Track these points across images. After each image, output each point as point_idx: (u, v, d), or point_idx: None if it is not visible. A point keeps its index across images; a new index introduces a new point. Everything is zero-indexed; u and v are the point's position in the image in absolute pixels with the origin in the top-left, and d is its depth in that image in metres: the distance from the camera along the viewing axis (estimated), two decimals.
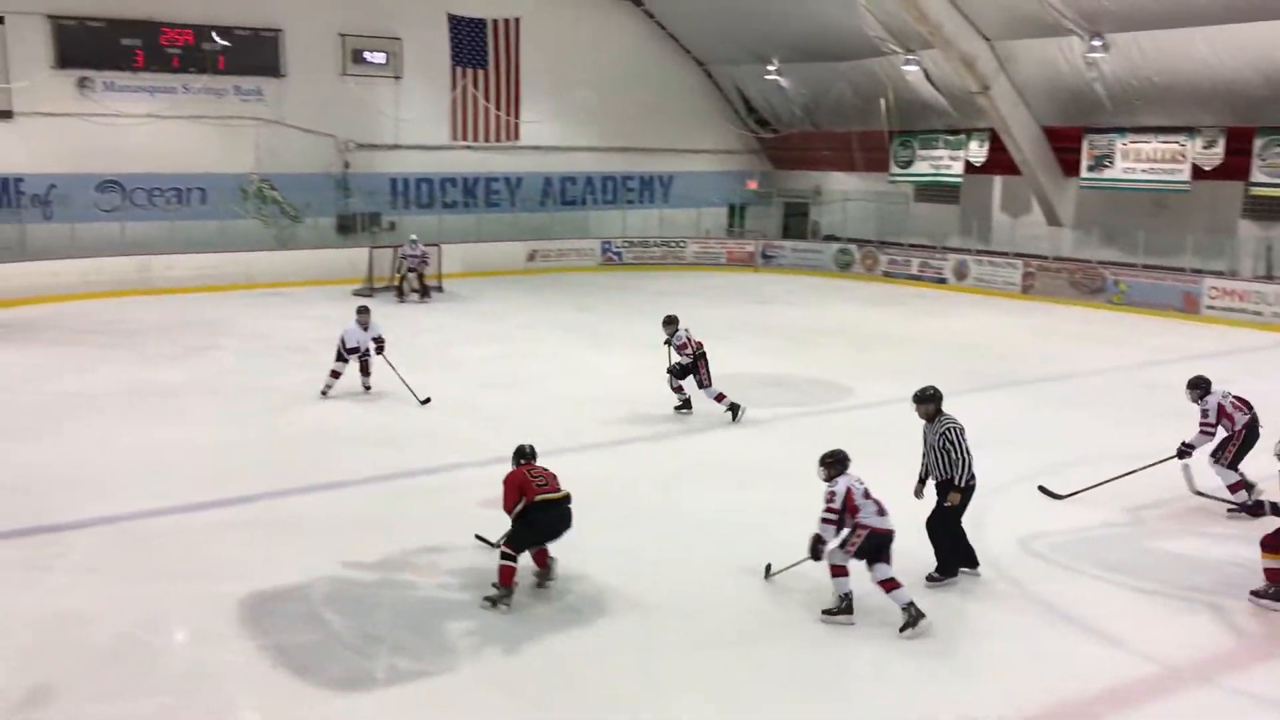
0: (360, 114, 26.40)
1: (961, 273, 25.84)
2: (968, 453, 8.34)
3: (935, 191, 27.96)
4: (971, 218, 26.76)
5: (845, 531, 7.72)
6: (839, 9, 25.03)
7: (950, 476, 8.37)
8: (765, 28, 27.43)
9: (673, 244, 29.49)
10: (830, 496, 7.72)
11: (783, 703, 6.68)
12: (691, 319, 19.32)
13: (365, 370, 14.26)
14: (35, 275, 21.78)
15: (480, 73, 27.80)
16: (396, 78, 26.91)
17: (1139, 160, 22.52)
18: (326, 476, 10.83)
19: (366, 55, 26.41)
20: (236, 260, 24.17)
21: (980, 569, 8.57)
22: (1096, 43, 21.12)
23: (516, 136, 28.53)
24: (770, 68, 28.73)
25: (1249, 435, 9.97)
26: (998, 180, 26.72)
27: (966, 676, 7.10)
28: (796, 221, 31.88)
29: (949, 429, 8.40)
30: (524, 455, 8.45)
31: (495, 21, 27.64)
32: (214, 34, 24.26)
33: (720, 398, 13.17)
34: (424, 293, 22.98)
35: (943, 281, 26.15)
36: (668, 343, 13.38)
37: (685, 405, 13.42)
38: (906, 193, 28.73)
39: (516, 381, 15.33)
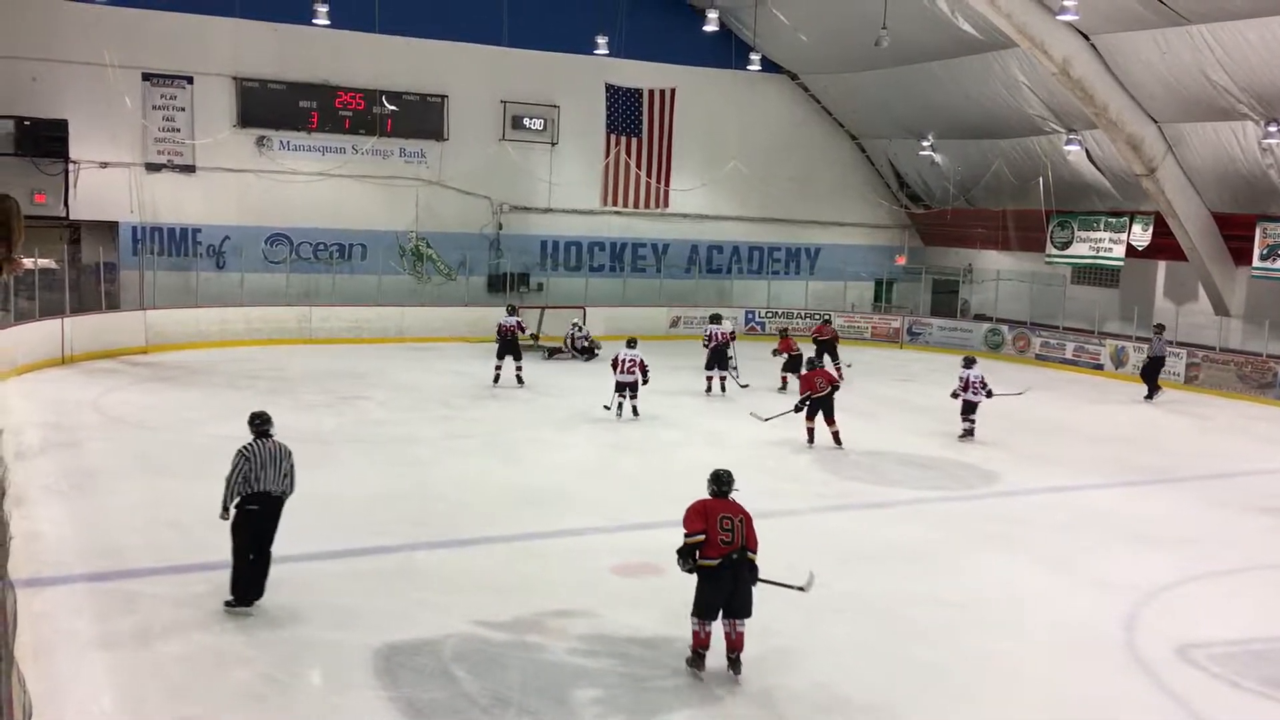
0: (516, 177, 27.19)
1: (1120, 360, 24.83)
2: None
3: (1094, 274, 27.07)
4: (1132, 303, 25.76)
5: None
6: (1000, 88, 24.68)
7: None
8: (922, 104, 27.25)
9: (817, 316, 29.24)
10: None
11: None
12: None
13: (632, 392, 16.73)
14: (205, 322, 23.04)
15: (634, 140, 28.41)
16: (553, 143, 27.65)
17: None
18: (463, 532, 11.00)
19: (525, 121, 27.24)
20: (389, 314, 25.06)
21: None
22: (1273, 129, 20.21)
23: (666, 204, 28.99)
24: (925, 143, 28.45)
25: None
26: (1161, 265, 25.70)
27: None
28: (945, 299, 31.27)
29: None
30: (720, 484, 8.19)
31: (651, 91, 28.28)
32: (384, 98, 25.45)
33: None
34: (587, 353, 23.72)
35: (1099, 368, 25.17)
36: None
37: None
38: (1063, 274, 27.89)
39: (650, 447, 15.35)
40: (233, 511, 8.59)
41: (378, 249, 25.76)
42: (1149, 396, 21.26)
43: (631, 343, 17.41)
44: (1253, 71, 19.42)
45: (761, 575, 8.00)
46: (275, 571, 8.88)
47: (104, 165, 23.30)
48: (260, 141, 24.70)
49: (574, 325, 24.08)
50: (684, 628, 8.13)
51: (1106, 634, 8.92)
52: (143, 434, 14.88)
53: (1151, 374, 21.51)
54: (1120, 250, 25.30)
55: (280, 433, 9.26)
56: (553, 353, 23.60)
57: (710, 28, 22.93)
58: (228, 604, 8.56)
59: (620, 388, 17.06)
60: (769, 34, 26.94)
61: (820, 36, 26.49)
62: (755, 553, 7.98)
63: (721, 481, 8.31)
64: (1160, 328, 22.12)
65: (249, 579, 8.57)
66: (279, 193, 24.91)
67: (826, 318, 23.69)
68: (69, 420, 15.42)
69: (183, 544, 10.16)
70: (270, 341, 23.38)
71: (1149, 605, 9.61)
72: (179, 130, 23.89)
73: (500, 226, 27.34)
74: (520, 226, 27.68)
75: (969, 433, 16.78)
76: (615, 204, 28.60)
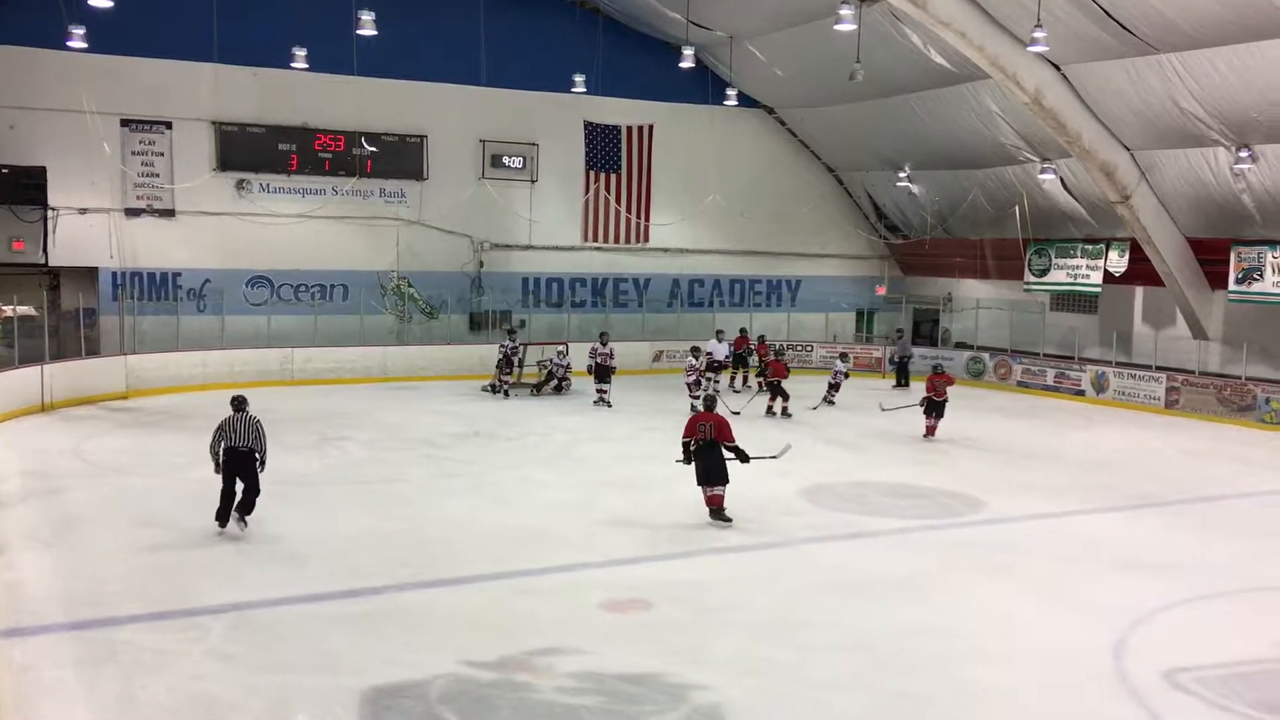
0: (496, 215, 27.30)
1: (1101, 385, 25.01)
2: None
3: (1073, 301, 27.31)
4: (1111, 328, 25.98)
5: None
6: (974, 119, 24.97)
7: None
8: (898, 136, 27.54)
9: (799, 347, 29.38)
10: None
11: None
12: (819, 423, 19.10)
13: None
14: (186, 366, 22.93)
15: (613, 176, 28.62)
16: (532, 181, 27.80)
17: None
18: (449, 572, 10.93)
19: (505, 160, 27.39)
20: (372, 354, 25.03)
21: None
22: (1244, 154, 20.51)
23: (646, 239, 29.19)
24: (902, 174, 28.74)
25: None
26: (1139, 291, 25.95)
27: None
28: (926, 328, 31.47)
29: None
30: (709, 404, 13.95)
31: (629, 128, 28.54)
32: (363, 139, 25.56)
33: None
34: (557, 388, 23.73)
35: (1080, 393, 25.34)
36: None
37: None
38: (1042, 301, 28.13)
39: (637, 483, 15.32)
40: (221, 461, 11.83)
41: (359, 289, 25.76)
42: (900, 385, 25.67)
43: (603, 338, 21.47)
44: (1222, 99, 19.72)
45: (752, 454, 12.88)
46: (261, 615, 9.07)
47: (83, 211, 23.29)
48: (240, 185, 24.72)
49: (558, 353, 24.04)
50: (673, 664, 8.35)
51: (1096, 660, 8.92)
52: (124, 480, 14.77)
53: (902, 370, 26.40)
54: (1098, 277, 25.54)
55: (264, 475, 10.92)
56: (538, 388, 23.57)
57: (687, 64, 23.17)
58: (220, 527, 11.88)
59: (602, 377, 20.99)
60: (745, 70, 27.25)
61: (796, 71, 26.79)
62: (729, 443, 12.68)
63: (710, 402, 14.13)
64: (900, 331, 27.29)
65: (229, 505, 11.83)
66: (259, 235, 24.91)
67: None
68: (49, 467, 15.29)
69: (166, 590, 10.06)
70: (252, 384, 23.25)
71: (1137, 631, 9.62)
72: (158, 175, 23.92)
73: (481, 265, 27.40)
74: (501, 264, 27.74)
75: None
76: (596, 240, 28.75)
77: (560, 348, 24.36)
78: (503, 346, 23.37)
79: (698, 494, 13.03)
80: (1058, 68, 21.28)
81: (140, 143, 23.77)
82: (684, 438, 12.94)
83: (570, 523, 13.01)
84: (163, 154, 23.95)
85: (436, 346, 25.95)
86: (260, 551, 11.42)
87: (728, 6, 24.94)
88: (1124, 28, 19.03)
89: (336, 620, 9.48)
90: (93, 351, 22.38)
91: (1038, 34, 18.06)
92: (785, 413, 21.31)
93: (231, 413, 12.02)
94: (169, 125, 23.96)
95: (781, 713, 7.84)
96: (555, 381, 23.57)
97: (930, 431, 19.14)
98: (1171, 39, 18.97)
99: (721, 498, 12.72)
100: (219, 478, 11.87)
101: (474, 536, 12.34)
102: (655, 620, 9.68)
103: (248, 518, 11.87)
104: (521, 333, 25.53)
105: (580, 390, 23.74)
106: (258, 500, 11.98)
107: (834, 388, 23.12)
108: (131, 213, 23.79)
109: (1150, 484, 16.19)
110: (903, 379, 26.36)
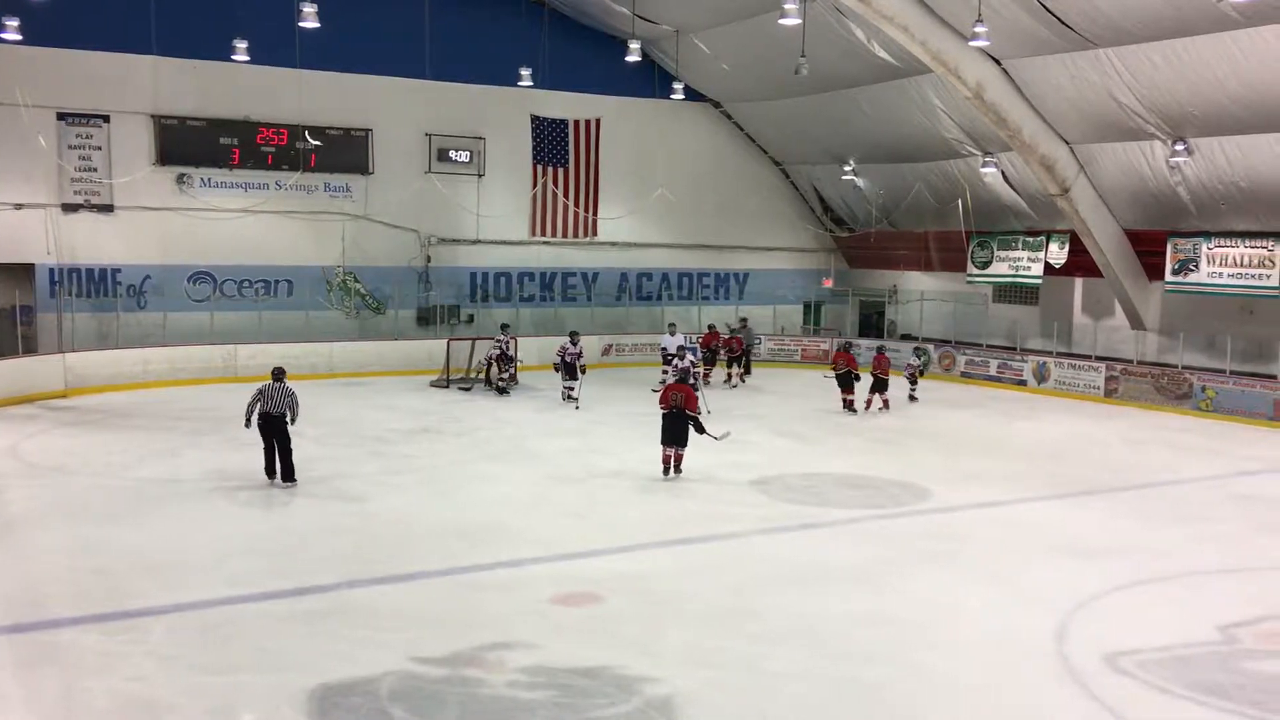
0: (443, 210, 27.10)
1: (1042, 375, 25.42)
2: None
3: (1014, 292, 27.72)
4: (1052, 319, 26.40)
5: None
6: (918, 113, 25.23)
7: None
8: (843, 130, 27.75)
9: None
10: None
11: None
12: (769, 415, 19.21)
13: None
14: (127, 363, 22.50)
15: (561, 171, 28.54)
16: (479, 175, 27.63)
17: (1225, 265, 22.11)
18: (399, 568, 10.86)
19: (451, 154, 27.19)
20: (319, 350, 24.73)
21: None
22: (1180, 147, 20.93)
23: (594, 233, 29.15)
24: (847, 168, 28.97)
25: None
26: (1079, 282, 26.41)
27: None
28: (873, 320, 31.77)
29: None
30: (683, 376, 17.57)
31: (576, 122, 28.48)
32: (307, 133, 25.23)
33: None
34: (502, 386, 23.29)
35: (1022, 383, 25.73)
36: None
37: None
38: (984, 293, 28.51)
39: (587, 476, 15.32)
40: (255, 423, 13.96)
41: (304, 285, 25.46)
42: (745, 376, 25.63)
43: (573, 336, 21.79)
44: (1158, 92, 20.10)
45: (706, 431, 15.25)
46: (206, 615, 9.01)
47: (19, 207, 22.77)
48: (180, 179, 24.29)
49: (495, 344, 23.43)
50: (625, 656, 8.39)
51: (1039, 645, 9.08)
52: (63, 479, 14.48)
53: (744, 358, 26.11)
54: (1038, 269, 25.94)
55: (209, 473, 10.57)
56: (501, 390, 23.12)
57: (633, 58, 23.18)
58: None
59: (570, 374, 21.21)
60: (691, 63, 27.29)
61: (741, 65, 26.89)
62: (694, 412, 15.12)
63: (684, 375, 17.94)
64: (744, 320, 27.28)
65: (272, 461, 14.14)
66: (201, 230, 24.52)
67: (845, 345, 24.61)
68: None
69: (107, 591, 9.89)
70: (195, 381, 22.95)
71: (1079, 615, 9.80)
72: (96, 170, 23.44)
73: (429, 259, 27.20)
74: (449, 259, 27.56)
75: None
76: (544, 234, 28.66)
77: (500, 337, 23.93)
78: (498, 343, 23.05)
79: (645, 486, 13.07)
80: (998, 63, 21.57)
81: (77, 136, 23.27)
82: (662, 403, 15.36)
83: (520, 517, 12.98)
84: (100, 148, 23.47)
85: (385, 342, 25.73)
86: (205, 550, 11.27)
87: (673, 0, 24.97)
88: (1063, 23, 19.33)
89: (284, 619, 9.38)
90: (30, 349, 21.89)
91: (979, 29, 18.32)
92: (742, 379, 24.86)
93: (271, 381, 14.18)
94: (107, 119, 23.47)
95: (733, 703, 7.89)
96: (504, 376, 23.20)
97: (885, 404, 21.69)
98: (1109, 34, 19.31)
99: (682, 457, 15.18)
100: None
101: (423, 532, 12.27)
102: (606, 613, 9.69)
103: (294, 476, 14.19)
104: (464, 329, 25.31)
105: (527, 385, 23.66)
106: (276, 471, 14.16)
107: (913, 381, 23.42)
108: (69, 208, 23.30)
109: (1092, 471, 16.49)
110: (746, 367, 26.06)
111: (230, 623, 9.20)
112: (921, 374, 24.03)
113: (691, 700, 7.83)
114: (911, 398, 23.05)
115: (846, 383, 21.61)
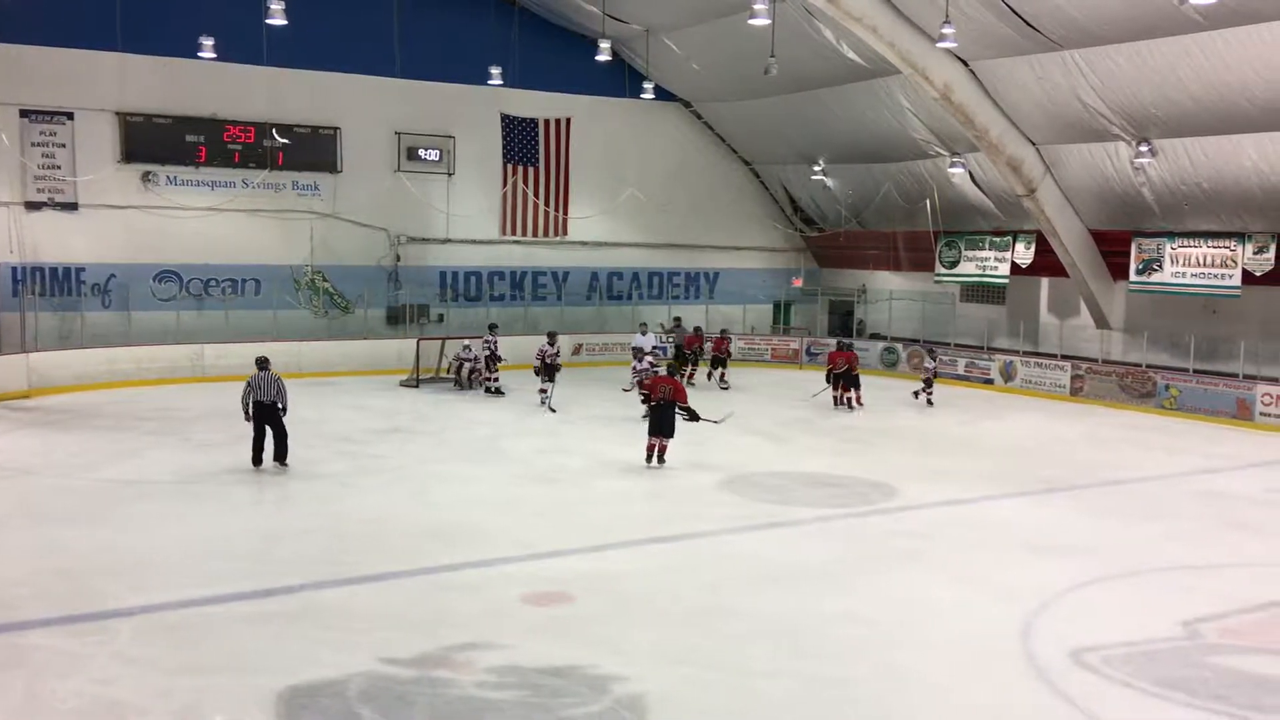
0: (413, 209, 26.96)
1: (1009, 374, 25.64)
2: None
3: (981, 292, 27.93)
4: (1019, 319, 26.64)
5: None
6: (886, 113, 25.39)
7: None
8: (812, 130, 27.87)
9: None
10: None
11: None
12: (738, 414, 19.31)
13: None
14: (92, 363, 22.24)
15: (531, 169, 28.50)
16: (449, 174, 27.52)
17: (1189, 265, 22.39)
18: (367, 568, 10.81)
19: (421, 152, 27.06)
20: (287, 349, 24.43)
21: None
22: (1144, 149, 21.17)
23: (565, 232, 29.13)
24: (816, 168, 29.09)
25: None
26: (1045, 282, 26.66)
27: None
28: (842, 319, 31.93)
29: None
30: (672, 370, 17.69)
31: (547, 121, 28.46)
32: (274, 131, 25.03)
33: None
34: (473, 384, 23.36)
35: (989, 382, 25.95)
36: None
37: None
38: (952, 293, 28.72)
39: (558, 476, 15.31)
40: (251, 410, 14.62)
41: (272, 284, 25.27)
42: (694, 377, 24.82)
43: (551, 337, 21.61)
44: (1122, 94, 20.33)
45: (702, 417, 16.11)
46: (173, 616, 8.95)
47: None
48: (146, 177, 24.03)
49: (464, 346, 23.65)
50: (596, 656, 8.40)
51: (1006, 642, 9.17)
52: (27, 480, 14.32)
53: (680, 358, 25.66)
54: (1005, 268, 26.16)
55: (174, 473, 10.49)
56: (496, 391, 23.02)
57: (603, 57, 23.18)
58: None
59: (549, 375, 20.96)
60: (661, 63, 27.33)
61: (711, 65, 26.95)
62: (683, 403, 15.66)
63: (671, 369, 18.67)
64: (678, 319, 27.13)
65: (260, 450, 14.76)
66: (167, 229, 24.26)
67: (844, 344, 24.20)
68: None
69: (73, 593, 9.78)
70: (161, 381, 22.73)
71: (1046, 612, 9.90)
72: (60, 167, 23.15)
73: (399, 258, 27.07)
74: (419, 258, 27.43)
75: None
76: (514, 233, 28.60)
77: (467, 341, 23.96)
78: (487, 343, 22.84)
79: (615, 485, 13.08)
80: (966, 64, 21.74)
81: (41, 134, 22.96)
82: (648, 394, 16.25)
83: (490, 517, 12.96)
84: (64, 145, 23.18)
85: (354, 341, 25.59)
86: (172, 551, 11.17)
87: (643, 0, 24.99)
88: (1029, 24, 19.51)
89: (252, 620, 9.32)
90: None
91: (946, 30, 18.45)
92: (722, 379, 24.61)
93: (257, 371, 14.81)
94: (71, 116, 23.18)
95: (704, 701, 7.92)
96: (494, 377, 23.14)
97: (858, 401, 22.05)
98: (1075, 36, 19.51)
99: (666, 448, 15.69)
100: (242, 426, 14.99)
101: (393, 532, 12.22)
102: (576, 612, 9.69)
103: (287, 461, 14.87)
104: (434, 328, 25.15)
105: (502, 386, 23.61)
106: (261, 459, 14.78)
107: (928, 384, 23.18)
108: (32, 206, 23.00)
109: (1058, 469, 16.65)
110: (695, 365, 25.51)
111: (199, 624, 9.12)
112: (936, 376, 23.75)
113: (662, 699, 7.85)
114: (929, 402, 22.77)
115: (850, 381, 21.88)
